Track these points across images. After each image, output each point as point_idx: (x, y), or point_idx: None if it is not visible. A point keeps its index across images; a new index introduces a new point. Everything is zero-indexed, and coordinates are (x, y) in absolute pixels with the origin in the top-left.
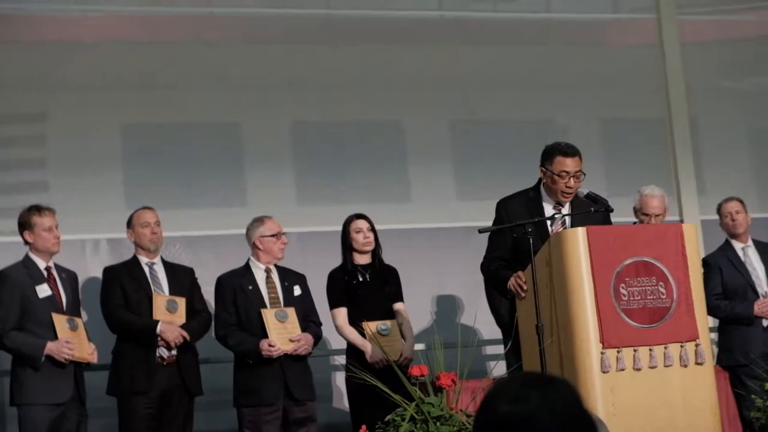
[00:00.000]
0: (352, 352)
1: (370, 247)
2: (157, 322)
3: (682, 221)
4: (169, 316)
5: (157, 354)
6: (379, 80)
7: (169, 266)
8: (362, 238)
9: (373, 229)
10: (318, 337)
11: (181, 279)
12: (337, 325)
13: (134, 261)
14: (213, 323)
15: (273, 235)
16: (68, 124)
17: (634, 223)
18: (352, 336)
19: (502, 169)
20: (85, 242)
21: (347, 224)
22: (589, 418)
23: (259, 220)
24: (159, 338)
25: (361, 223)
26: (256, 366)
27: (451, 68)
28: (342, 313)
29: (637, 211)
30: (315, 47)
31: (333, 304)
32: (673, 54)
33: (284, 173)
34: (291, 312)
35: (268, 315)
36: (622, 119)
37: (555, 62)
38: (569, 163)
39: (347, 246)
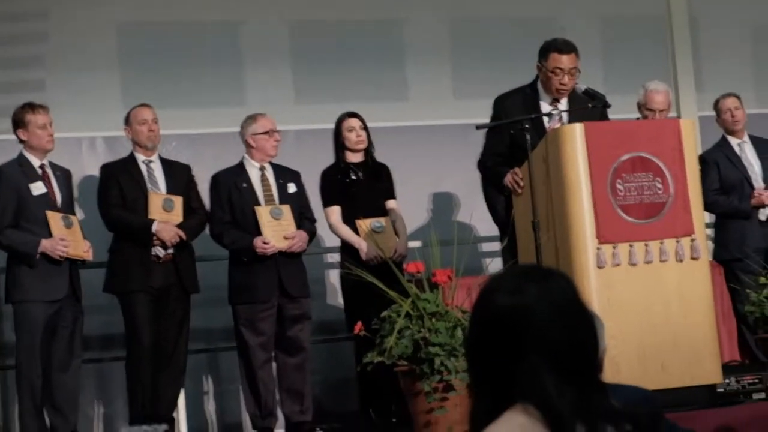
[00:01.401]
0: (346, 249)
1: (363, 146)
2: (153, 221)
3: (679, 117)
4: (165, 215)
5: (153, 253)
6: None
7: (166, 164)
8: (354, 136)
9: (365, 128)
10: (312, 234)
11: (179, 176)
12: (330, 223)
13: (131, 158)
14: (209, 220)
15: (265, 132)
16: (66, 22)
17: (638, 118)
18: (346, 233)
19: (500, 67)
20: (82, 140)
21: (339, 123)
22: (587, 311)
23: (251, 118)
24: (155, 237)
25: (354, 122)
26: (250, 263)
27: None
28: (335, 211)
29: (641, 107)
30: None
31: (326, 203)
32: None
33: (282, 71)
34: (286, 209)
35: (263, 212)
36: (621, 16)
37: None
38: (564, 60)
39: (340, 144)
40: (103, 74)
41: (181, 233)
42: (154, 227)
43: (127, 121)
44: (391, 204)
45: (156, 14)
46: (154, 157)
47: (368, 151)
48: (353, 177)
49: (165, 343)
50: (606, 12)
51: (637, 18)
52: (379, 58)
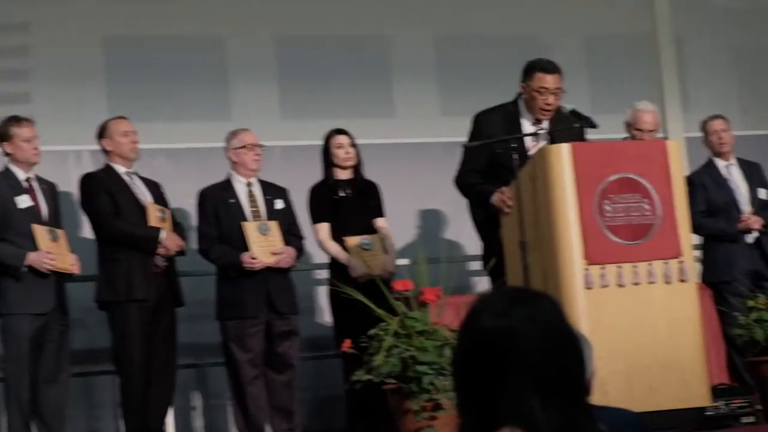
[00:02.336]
0: (335, 266)
1: (352, 163)
2: (159, 229)
3: (666, 138)
4: (161, 225)
5: (153, 262)
6: None
7: (142, 178)
8: (343, 153)
9: (354, 145)
10: (300, 250)
11: (157, 191)
12: (319, 240)
13: (112, 170)
14: (197, 236)
15: (243, 147)
16: (51, 35)
17: (625, 138)
18: (335, 250)
19: (487, 85)
20: (68, 153)
21: (328, 139)
22: (573, 334)
23: (232, 133)
24: (159, 246)
25: (342, 139)
26: (238, 279)
27: None
28: (324, 228)
29: (630, 126)
30: None
31: (315, 219)
32: None
33: (268, 87)
34: (273, 225)
35: (249, 228)
36: (606, 35)
37: None
38: (549, 80)
39: (328, 161)
40: (89, 87)
41: (182, 243)
42: (162, 236)
43: (105, 133)
44: (379, 222)
45: (142, 28)
46: (133, 170)
47: (357, 168)
48: (341, 194)
49: (156, 356)
50: (591, 31)
51: (623, 37)
52: (366, 74)
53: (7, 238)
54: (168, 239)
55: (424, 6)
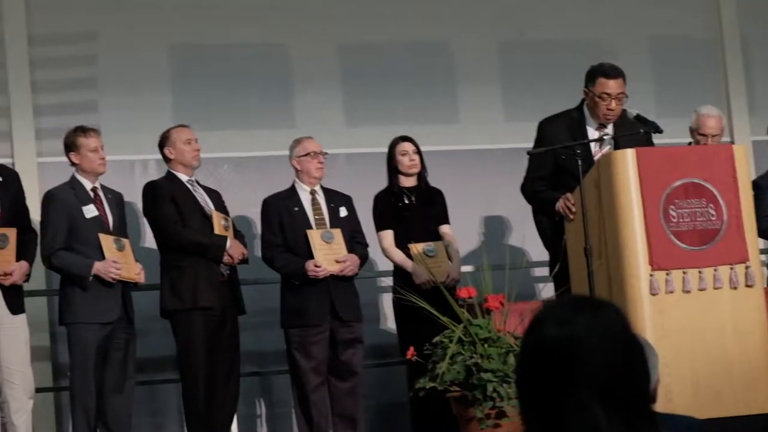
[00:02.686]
0: (399, 273)
1: (416, 170)
2: (225, 237)
3: (732, 142)
4: (225, 233)
5: (219, 271)
6: (428, 0)
7: (203, 186)
8: (408, 160)
9: (418, 152)
10: (364, 258)
11: (216, 198)
12: (383, 247)
13: (175, 178)
14: (261, 245)
15: (306, 154)
16: (118, 44)
17: (689, 143)
18: (399, 257)
19: (551, 90)
20: (134, 163)
21: (393, 147)
22: (637, 342)
23: (296, 141)
24: (225, 254)
25: (407, 146)
26: (302, 287)
27: None
28: (388, 235)
29: (693, 131)
30: None
31: (379, 227)
32: None
33: (332, 94)
34: (337, 233)
35: (314, 236)
36: (672, 39)
37: None
38: (611, 85)
39: (393, 168)
40: (155, 96)
41: (246, 251)
42: (228, 244)
43: (167, 141)
44: (444, 228)
45: (207, 36)
46: (194, 178)
47: (421, 176)
48: (406, 201)
49: (220, 364)
50: (656, 34)
51: (688, 40)
52: (430, 80)
53: (74, 248)
54: (233, 247)
55: (488, 12)
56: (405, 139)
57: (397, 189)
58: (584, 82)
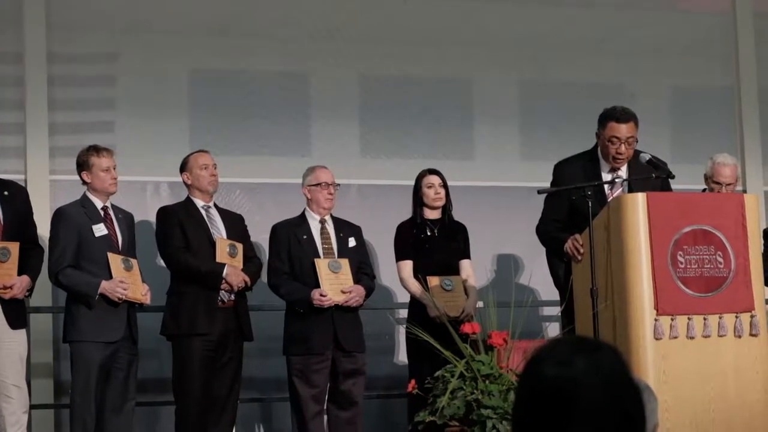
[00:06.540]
0: (414, 305)
1: (441, 203)
2: (223, 265)
3: (744, 191)
4: (230, 261)
5: (219, 298)
6: (450, 37)
7: (222, 211)
8: (433, 193)
9: (445, 185)
10: (371, 289)
11: (236, 224)
12: (402, 278)
13: (190, 203)
14: (267, 271)
15: (317, 184)
16: (137, 66)
17: (704, 190)
18: (414, 288)
19: (569, 131)
20: (146, 184)
21: (419, 179)
22: (635, 385)
23: (310, 169)
24: (223, 281)
25: (434, 179)
26: (306, 315)
27: (524, 28)
28: (407, 265)
29: (708, 179)
30: (389, 0)
31: (399, 257)
32: (746, 22)
33: (349, 125)
34: (344, 263)
35: (321, 265)
36: (690, 86)
37: (626, 26)
38: (622, 129)
39: (418, 200)
40: (172, 119)
41: (247, 278)
42: (225, 271)
43: (186, 166)
44: (464, 264)
45: (226, 62)
46: (212, 204)
47: (446, 209)
48: (428, 233)
49: (219, 390)
50: (676, 81)
51: (707, 88)
52: (447, 116)
53: (82, 266)
54: (231, 275)
55: (509, 50)
56: (432, 172)
57: (420, 220)
58: (597, 124)
